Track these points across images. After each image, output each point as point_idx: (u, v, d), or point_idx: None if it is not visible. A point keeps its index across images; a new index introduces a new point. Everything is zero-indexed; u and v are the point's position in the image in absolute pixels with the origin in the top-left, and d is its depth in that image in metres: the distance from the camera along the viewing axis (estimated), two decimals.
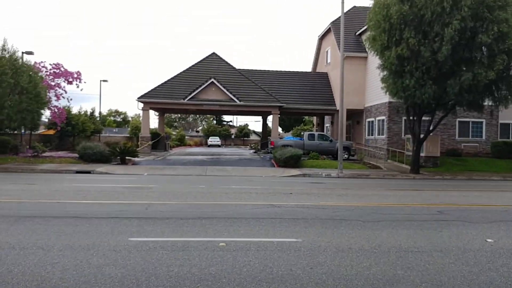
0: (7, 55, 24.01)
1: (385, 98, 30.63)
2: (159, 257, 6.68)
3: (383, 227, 9.29)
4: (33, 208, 10.99)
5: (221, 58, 40.37)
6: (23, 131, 33.74)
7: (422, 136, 25.50)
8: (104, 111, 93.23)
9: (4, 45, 24.25)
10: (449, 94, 21.62)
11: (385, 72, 23.42)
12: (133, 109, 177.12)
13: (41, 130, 44.12)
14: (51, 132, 41.70)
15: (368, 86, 35.70)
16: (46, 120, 39.67)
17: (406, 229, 9.14)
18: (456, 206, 12.85)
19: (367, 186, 18.69)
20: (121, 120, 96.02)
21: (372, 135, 35.10)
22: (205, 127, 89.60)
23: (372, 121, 35.05)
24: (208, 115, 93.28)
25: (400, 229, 9.13)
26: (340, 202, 13.02)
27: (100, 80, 51.34)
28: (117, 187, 16.12)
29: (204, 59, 39.96)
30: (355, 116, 39.02)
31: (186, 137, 73.20)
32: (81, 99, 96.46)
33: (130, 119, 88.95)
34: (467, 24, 19.88)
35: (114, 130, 74.74)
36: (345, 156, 30.43)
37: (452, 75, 21.37)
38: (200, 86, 36.35)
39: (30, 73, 24.75)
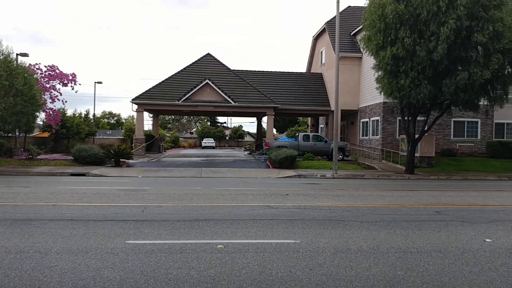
0: (1, 57, 23.78)
1: (379, 98, 30.70)
2: (157, 260, 6.63)
3: (380, 228, 9.27)
4: (29, 211, 10.88)
5: (215, 59, 40.32)
6: (17, 133, 33.50)
7: (417, 136, 25.55)
8: (98, 113, 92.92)
9: None
10: (444, 93, 21.68)
11: (380, 72, 23.44)
12: (127, 111, 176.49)
13: (36, 133, 43.91)
14: (46, 134, 41.47)
15: (363, 86, 35.75)
16: (41, 122, 39.43)
17: (404, 230, 9.12)
18: (453, 206, 12.86)
19: (363, 186, 18.68)
20: (114, 122, 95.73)
21: (367, 135, 35.15)
22: (199, 128, 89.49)
23: (367, 122, 35.09)
24: (202, 117, 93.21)
25: (398, 230, 9.10)
26: (336, 203, 12.99)
27: (95, 82, 51.28)
28: (112, 189, 16.02)
29: (198, 60, 39.90)
30: (350, 116, 39.06)
31: (180, 138, 73.04)
32: (76, 101, 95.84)
33: (124, 121, 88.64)
34: (463, 23, 19.93)
35: (108, 132, 74.46)
36: (340, 156, 30.44)
37: (447, 75, 21.42)
38: (195, 87, 36.31)
39: (25, 75, 24.52)
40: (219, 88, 36.40)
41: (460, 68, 21.26)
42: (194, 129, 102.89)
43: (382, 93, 24.49)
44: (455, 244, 8.00)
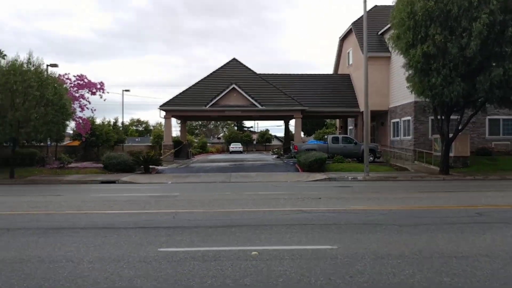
0: (32, 68, 24.18)
1: (410, 97, 30.02)
2: (190, 268, 6.42)
3: (421, 232, 8.87)
4: (61, 219, 10.87)
5: (241, 64, 40.27)
6: (49, 142, 34.02)
7: (450, 135, 24.83)
8: (127, 121, 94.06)
9: (29, 58, 24.42)
10: (478, 90, 21.01)
11: (410, 71, 22.91)
12: (155, 118, 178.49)
13: (67, 142, 44.58)
14: (76, 143, 42.05)
15: (392, 86, 35.11)
16: (71, 131, 40.02)
17: (446, 233, 8.70)
18: (495, 207, 12.30)
19: (397, 188, 18.20)
20: (143, 129, 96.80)
21: (398, 136, 34.46)
22: (226, 133, 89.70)
23: (397, 122, 34.42)
24: (229, 122, 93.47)
25: (440, 233, 8.69)
26: (371, 206, 12.61)
27: (122, 90, 51.94)
28: (142, 196, 15.99)
29: (224, 65, 39.95)
30: (379, 117, 38.41)
31: (208, 144, 73.28)
32: (105, 110, 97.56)
33: (152, 128, 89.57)
34: (496, 17, 19.30)
35: (137, 140, 75.18)
36: (371, 158, 29.84)
37: (481, 71, 20.73)
38: (221, 92, 36.35)
39: (55, 85, 24.84)
40: (245, 93, 36.32)
41: (494, 64, 20.56)
42: (221, 134, 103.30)
43: (413, 92, 23.93)
44: (502, 247, 7.56)
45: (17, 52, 51.42)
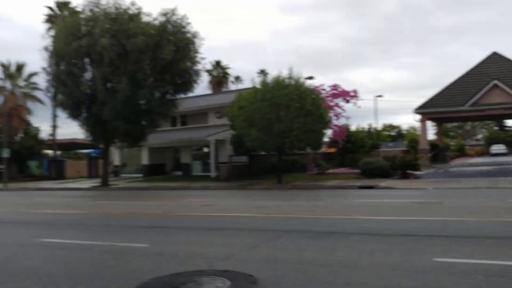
0: (292, 82, 26.41)
1: None
2: (474, 283, 5.86)
3: None
4: (329, 224, 11.37)
5: (503, 57, 36.39)
6: (309, 150, 36.49)
7: None
8: (379, 126, 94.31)
9: (290, 74, 26.78)
10: None
11: None
12: (407, 121, 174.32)
13: (323, 149, 47.20)
14: (332, 150, 44.03)
15: None
16: (327, 139, 42.17)
17: None
18: None
19: None
20: (396, 134, 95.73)
21: None
22: (486, 134, 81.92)
23: None
24: (488, 122, 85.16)
25: None
26: None
27: (375, 96, 52.56)
28: (404, 202, 15.65)
29: (483, 61, 36.73)
30: None
31: (465, 146, 68.09)
32: (358, 116, 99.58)
33: (404, 132, 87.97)
34: None
35: (389, 144, 74.64)
36: None
37: None
38: (481, 89, 33.61)
39: (313, 96, 26.60)
40: (510, 88, 32.52)
41: None
42: (479, 136, 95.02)
43: None
44: None
45: (278, 69, 56.87)
